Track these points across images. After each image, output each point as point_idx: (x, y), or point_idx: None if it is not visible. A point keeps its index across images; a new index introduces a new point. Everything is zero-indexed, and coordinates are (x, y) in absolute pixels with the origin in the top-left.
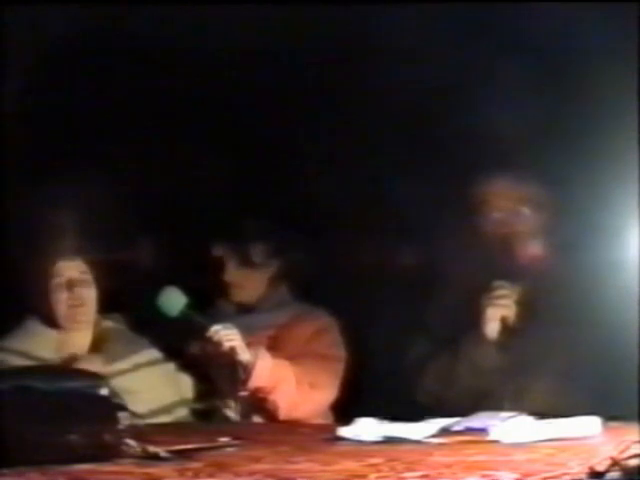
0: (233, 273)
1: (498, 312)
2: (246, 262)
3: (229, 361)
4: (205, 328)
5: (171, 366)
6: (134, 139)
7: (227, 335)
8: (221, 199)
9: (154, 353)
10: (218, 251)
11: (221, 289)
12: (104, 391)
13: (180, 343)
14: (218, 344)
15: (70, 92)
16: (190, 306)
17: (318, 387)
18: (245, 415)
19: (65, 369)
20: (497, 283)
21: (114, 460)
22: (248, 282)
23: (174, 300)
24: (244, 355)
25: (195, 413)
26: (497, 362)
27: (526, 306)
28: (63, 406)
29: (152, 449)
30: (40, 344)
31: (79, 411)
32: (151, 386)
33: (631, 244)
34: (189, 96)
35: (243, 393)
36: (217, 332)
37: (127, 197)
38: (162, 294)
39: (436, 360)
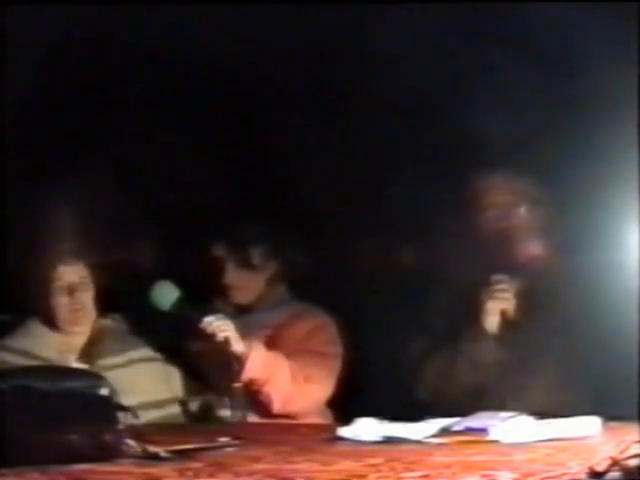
0: (232, 275)
1: (498, 305)
2: (245, 264)
3: (223, 352)
4: (198, 320)
5: (164, 364)
6: (134, 141)
7: (220, 326)
8: (220, 201)
9: (148, 351)
10: (217, 253)
11: (219, 291)
12: (104, 391)
13: (175, 338)
14: (212, 335)
15: (70, 93)
16: (183, 299)
17: (313, 382)
18: (239, 408)
19: (65, 369)
20: (496, 277)
21: (114, 460)
22: (246, 284)
23: (166, 294)
24: (238, 346)
25: (190, 410)
26: (497, 356)
27: (525, 302)
28: (63, 406)
29: (152, 449)
30: (41, 344)
31: (79, 411)
32: (143, 380)
33: (631, 243)
34: (189, 97)
35: (237, 384)
36: (210, 323)
37: (127, 200)
38: (155, 288)
39: (436, 356)
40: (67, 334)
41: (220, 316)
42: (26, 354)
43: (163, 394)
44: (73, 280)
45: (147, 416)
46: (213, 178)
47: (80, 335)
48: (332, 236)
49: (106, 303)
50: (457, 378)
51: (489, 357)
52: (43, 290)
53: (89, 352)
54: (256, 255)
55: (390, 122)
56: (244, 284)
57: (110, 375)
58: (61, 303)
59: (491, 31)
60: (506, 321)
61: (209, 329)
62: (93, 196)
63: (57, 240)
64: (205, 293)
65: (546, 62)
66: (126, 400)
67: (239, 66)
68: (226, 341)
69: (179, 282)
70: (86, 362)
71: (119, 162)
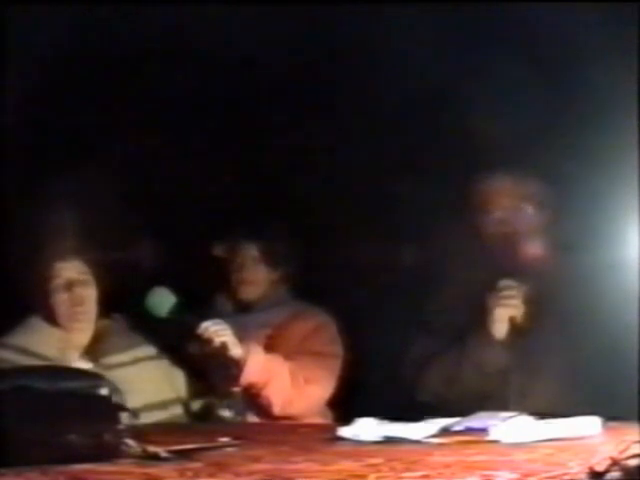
0: (251, 270)
1: (507, 312)
2: (266, 261)
3: (221, 357)
4: (195, 326)
5: (167, 363)
6: (135, 139)
7: (217, 331)
8: (225, 198)
9: (152, 350)
10: (240, 247)
11: (231, 285)
12: (104, 391)
13: (175, 342)
14: (209, 340)
15: (70, 92)
16: (179, 305)
17: (313, 383)
18: (239, 412)
19: (65, 369)
20: (504, 282)
21: (114, 460)
22: (260, 280)
23: (163, 301)
24: (236, 350)
25: (191, 411)
26: (503, 363)
27: (530, 306)
28: (63, 406)
29: (152, 449)
30: (42, 341)
31: (79, 411)
32: (148, 380)
33: (632, 244)
34: (192, 96)
35: (236, 389)
36: (207, 329)
37: (133, 197)
38: (150, 295)
39: (441, 361)
40: (68, 331)
41: (217, 321)
42: (27, 352)
43: (167, 394)
44: (72, 276)
45: (151, 418)
46: (217, 172)
47: (82, 332)
48: (336, 236)
49: (110, 302)
50: (463, 383)
51: (496, 363)
52: (43, 287)
53: (93, 350)
54: (280, 253)
55: (393, 123)
56: (257, 280)
57: (116, 373)
58: (60, 300)
59: (492, 32)
60: (514, 327)
61: (206, 334)
62: (93, 194)
63: (57, 237)
64: (208, 290)
65: (547, 63)
66: (131, 400)
67: (241, 65)
68: (224, 346)
69: (183, 279)
70: (90, 360)
71: (124, 159)
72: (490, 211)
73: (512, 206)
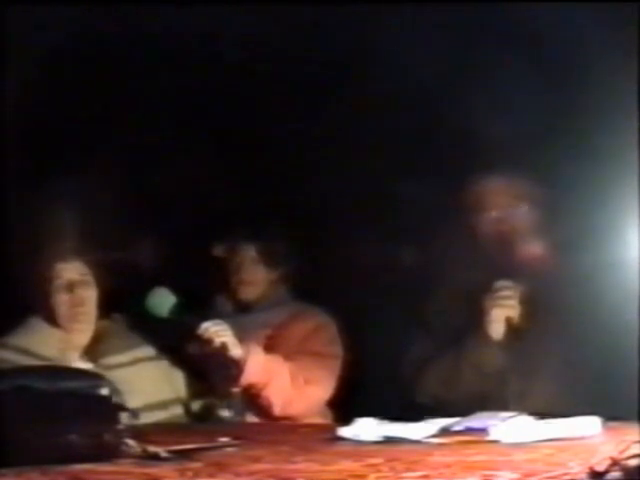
0: (249, 270)
1: (503, 313)
2: (265, 261)
3: (221, 357)
4: (195, 326)
5: (167, 363)
6: (135, 139)
7: (217, 331)
8: (224, 199)
9: (151, 350)
10: (239, 247)
11: (230, 285)
12: (104, 391)
13: (175, 342)
14: (209, 341)
15: (70, 92)
16: (180, 305)
17: (313, 383)
18: (239, 412)
19: (65, 369)
20: (501, 283)
21: (114, 460)
22: (259, 280)
23: (163, 300)
24: (236, 350)
25: (190, 412)
26: (501, 363)
27: (528, 306)
28: (63, 406)
29: (152, 449)
30: (43, 342)
31: (79, 411)
32: (149, 381)
33: (631, 244)
34: (192, 96)
35: (236, 389)
36: (207, 329)
37: (134, 197)
38: (151, 295)
39: (439, 362)
40: (69, 332)
41: (217, 321)
42: (28, 352)
43: (167, 394)
44: (73, 277)
45: (152, 418)
46: (216, 172)
47: (82, 333)
48: (335, 236)
49: (110, 302)
50: (461, 385)
51: (494, 364)
52: (43, 288)
53: (93, 350)
54: (279, 253)
55: (391, 124)
56: (257, 280)
57: (116, 374)
58: (61, 301)
59: (491, 31)
60: (511, 328)
61: (206, 335)
62: (92, 194)
63: (58, 238)
64: (208, 290)
65: (546, 62)
66: (131, 400)
67: (242, 65)
68: (224, 346)
69: (184, 279)
70: (90, 360)
71: (124, 159)
72: (488, 211)
73: (510, 206)
